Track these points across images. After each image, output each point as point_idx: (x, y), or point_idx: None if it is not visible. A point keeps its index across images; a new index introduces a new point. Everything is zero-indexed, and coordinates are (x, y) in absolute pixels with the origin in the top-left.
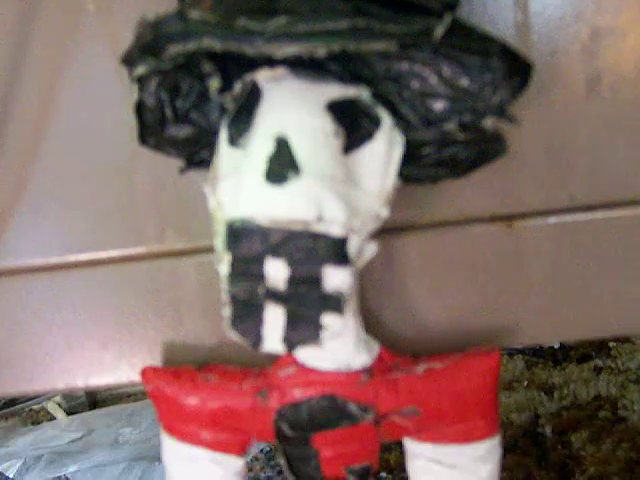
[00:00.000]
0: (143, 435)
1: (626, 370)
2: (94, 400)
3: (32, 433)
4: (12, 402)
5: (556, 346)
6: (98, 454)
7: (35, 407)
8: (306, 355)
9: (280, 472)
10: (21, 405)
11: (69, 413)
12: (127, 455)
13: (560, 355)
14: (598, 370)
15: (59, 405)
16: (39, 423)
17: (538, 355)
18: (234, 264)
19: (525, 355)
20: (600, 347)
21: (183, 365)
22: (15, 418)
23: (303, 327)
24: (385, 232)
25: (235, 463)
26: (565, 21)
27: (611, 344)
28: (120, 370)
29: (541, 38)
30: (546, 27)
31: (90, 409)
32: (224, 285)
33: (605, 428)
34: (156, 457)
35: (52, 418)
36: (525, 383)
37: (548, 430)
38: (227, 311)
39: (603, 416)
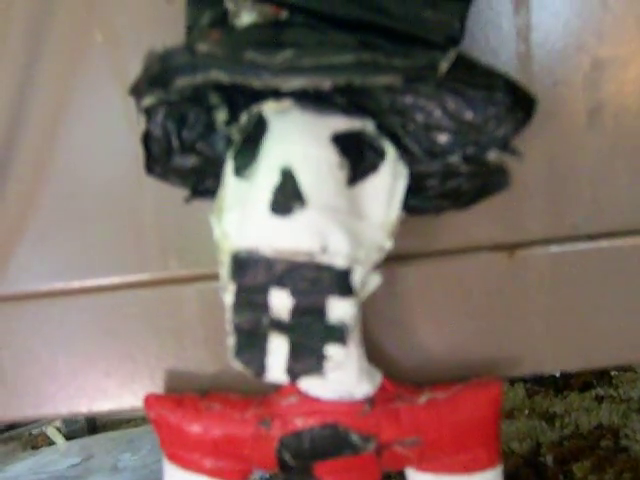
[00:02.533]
0: (142, 461)
1: (628, 399)
2: (94, 425)
3: (31, 458)
4: (12, 426)
5: (557, 374)
6: (98, 479)
7: (34, 432)
8: (308, 384)
9: None
10: (21, 429)
11: (68, 438)
12: None
13: (561, 383)
14: (600, 399)
15: (58, 430)
16: (38, 448)
17: (539, 383)
18: (239, 294)
19: (526, 383)
20: (601, 376)
21: (185, 392)
22: (14, 442)
23: (306, 357)
24: (386, 260)
25: None
26: (567, 52)
27: (613, 373)
28: (122, 397)
29: (543, 69)
30: (548, 58)
31: (89, 434)
32: (228, 315)
33: (607, 458)
34: None
35: (51, 443)
36: (526, 412)
37: (550, 459)
38: (231, 341)
39: (605, 445)
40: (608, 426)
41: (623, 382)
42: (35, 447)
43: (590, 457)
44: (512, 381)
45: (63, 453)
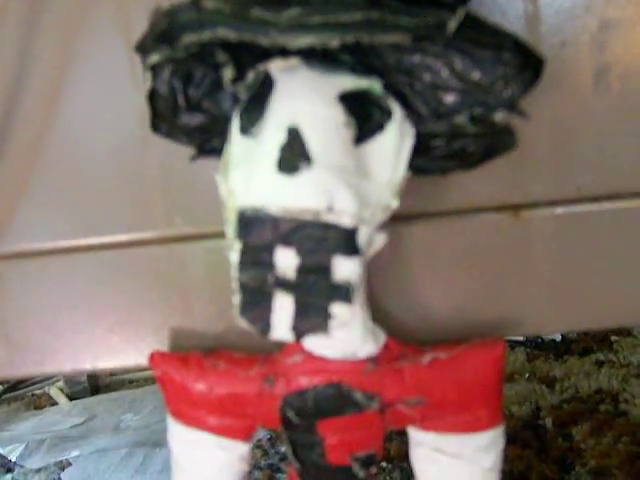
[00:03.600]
0: (145, 421)
1: (628, 364)
2: (96, 386)
3: (34, 418)
4: (15, 387)
5: (557, 339)
6: (100, 439)
7: (38, 392)
8: (313, 343)
9: (281, 459)
10: (24, 390)
11: (71, 398)
12: (129, 441)
13: (561, 348)
14: (600, 364)
15: (61, 390)
16: (41, 408)
17: (539, 348)
18: (244, 252)
19: (526, 347)
20: (602, 341)
21: (190, 350)
22: (18, 402)
23: (312, 316)
24: (391, 221)
25: (240, 448)
26: (574, 12)
27: (613, 338)
28: (127, 354)
29: (550, 29)
30: (555, 18)
31: (92, 395)
32: (234, 273)
33: (606, 422)
34: (157, 443)
35: (54, 403)
36: (526, 375)
37: (549, 423)
38: (236, 299)
39: (604, 410)
40: (607, 390)
41: (623, 347)
42: (38, 407)
43: (589, 420)
44: (512, 345)
45: (66, 413)
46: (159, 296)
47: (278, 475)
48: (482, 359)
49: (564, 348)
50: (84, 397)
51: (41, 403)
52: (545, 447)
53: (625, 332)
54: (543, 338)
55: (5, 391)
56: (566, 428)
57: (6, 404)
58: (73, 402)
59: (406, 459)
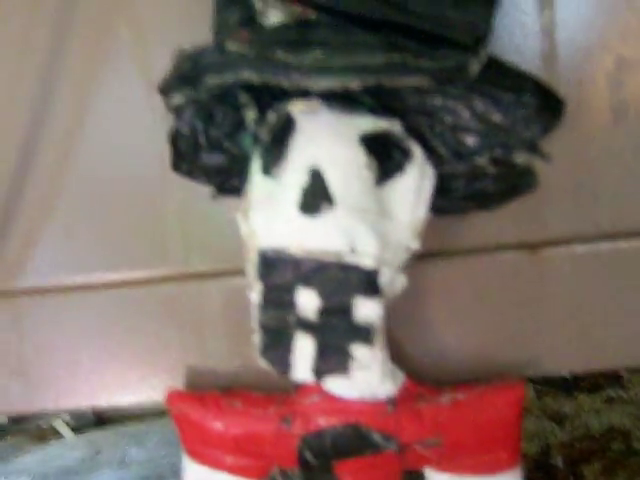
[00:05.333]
0: (150, 455)
1: (639, 401)
2: (101, 418)
3: (39, 451)
4: (20, 420)
5: (566, 375)
6: (105, 473)
7: (43, 425)
8: (331, 384)
9: None
10: (29, 423)
11: (76, 431)
12: (134, 475)
13: (571, 384)
14: (610, 401)
15: (67, 423)
16: (47, 440)
17: (548, 384)
18: (265, 293)
19: (535, 384)
20: (611, 377)
21: (205, 387)
22: (23, 435)
23: (332, 357)
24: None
25: None
26: (591, 51)
27: (623, 374)
28: (142, 391)
29: (567, 68)
30: (572, 57)
31: (97, 427)
32: (254, 313)
33: (618, 461)
34: (162, 477)
35: (59, 436)
36: (536, 412)
37: (560, 461)
38: (257, 339)
39: (616, 448)
40: (619, 428)
41: (633, 384)
42: (43, 440)
43: (601, 459)
44: None
45: (71, 446)
46: (175, 333)
47: None
48: (502, 401)
49: (573, 385)
50: (89, 429)
51: (46, 436)
52: None
53: (635, 369)
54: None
55: (10, 424)
56: (577, 467)
57: (11, 436)
58: (78, 435)
59: None
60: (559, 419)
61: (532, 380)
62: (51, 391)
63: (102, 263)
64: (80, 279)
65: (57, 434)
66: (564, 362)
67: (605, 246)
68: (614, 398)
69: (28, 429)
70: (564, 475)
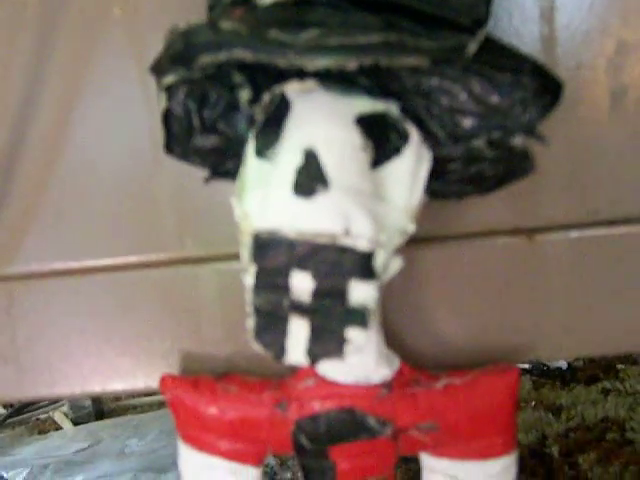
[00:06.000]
0: (149, 446)
1: (634, 393)
2: (101, 411)
3: (39, 442)
4: (19, 411)
5: (563, 367)
6: (104, 464)
7: (42, 416)
8: (326, 368)
9: None
10: (28, 414)
11: (75, 423)
12: (133, 466)
13: (568, 376)
14: (606, 392)
15: (66, 415)
16: (46, 432)
17: (545, 376)
18: (259, 275)
19: (532, 375)
20: (608, 369)
21: (200, 372)
22: (22, 427)
23: (327, 340)
24: (405, 244)
25: (251, 473)
26: (590, 35)
27: (619, 366)
28: (137, 377)
29: (566, 52)
30: (572, 41)
31: (96, 420)
32: (248, 296)
33: (613, 450)
34: (162, 468)
35: (59, 428)
36: (532, 403)
37: (555, 451)
38: (251, 322)
39: (611, 438)
40: (614, 419)
41: (629, 375)
42: (42, 432)
43: (596, 449)
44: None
45: (70, 438)
46: (169, 319)
47: None
48: (496, 385)
49: (570, 376)
50: (88, 422)
51: (45, 428)
52: (552, 476)
53: (631, 360)
54: (549, 366)
55: (9, 415)
56: (573, 457)
57: (10, 428)
58: (77, 427)
59: None
60: (555, 410)
61: (529, 372)
62: (44, 377)
63: (95, 248)
64: (73, 264)
65: (56, 426)
66: (560, 348)
67: (602, 232)
68: (610, 389)
69: (27, 421)
70: (559, 464)
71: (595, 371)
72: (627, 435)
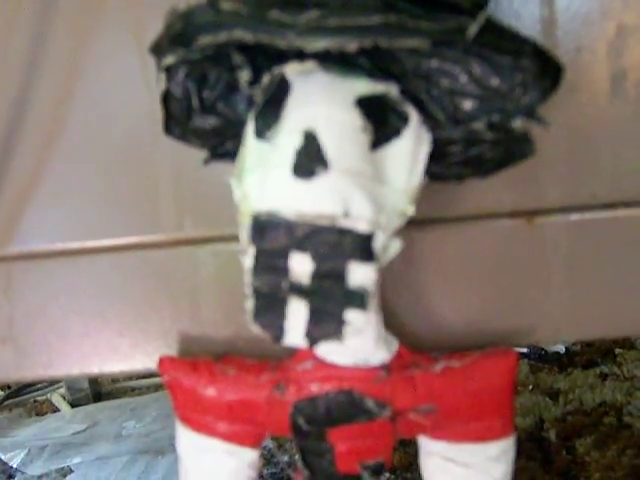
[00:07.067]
0: (147, 429)
1: (632, 377)
2: (98, 393)
3: (36, 424)
4: (17, 393)
5: (561, 351)
6: (102, 446)
7: (39, 398)
8: (325, 350)
9: (282, 469)
10: (26, 396)
11: (73, 405)
12: (130, 448)
13: (565, 361)
14: (603, 377)
15: (63, 397)
16: (43, 414)
17: (543, 360)
18: (258, 257)
19: (530, 360)
20: (606, 354)
21: (199, 354)
22: (19, 409)
23: (326, 322)
24: (404, 226)
25: (249, 455)
26: (591, 18)
27: (617, 351)
28: (135, 358)
29: (567, 34)
30: (572, 23)
31: (94, 402)
32: (247, 278)
33: (610, 434)
34: (159, 451)
35: (56, 410)
36: (530, 387)
37: (552, 435)
38: (250, 304)
39: (608, 422)
40: (611, 403)
41: (627, 360)
42: (40, 414)
43: (593, 433)
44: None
45: (68, 420)
46: (168, 300)
47: None
48: (495, 368)
49: (568, 361)
50: (86, 404)
51: (43, 409)
52: (549, 460)
53: (629, 345)
54: (547, 350)
55: (7, 397)
56: (570, 441)
57: (8, 410)
58: (75, 409)
59: (409, 470)
60: (553, 394)
61: (527, 356)
62: (42, 358)
63: (93, 228)
64: (71, 245)
65: (54, 408)
66: (559, 332)
67: (602, 215)
68: (607, 374)
69: (24, 403)
70: (557, 448)
71: (593, 355)
72: (624, 419)
